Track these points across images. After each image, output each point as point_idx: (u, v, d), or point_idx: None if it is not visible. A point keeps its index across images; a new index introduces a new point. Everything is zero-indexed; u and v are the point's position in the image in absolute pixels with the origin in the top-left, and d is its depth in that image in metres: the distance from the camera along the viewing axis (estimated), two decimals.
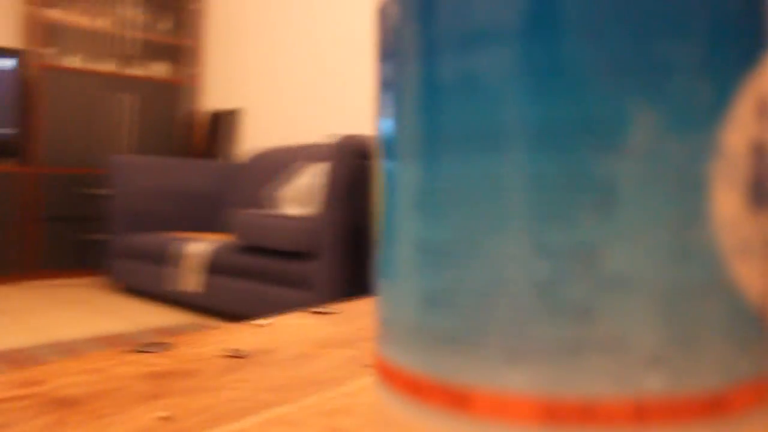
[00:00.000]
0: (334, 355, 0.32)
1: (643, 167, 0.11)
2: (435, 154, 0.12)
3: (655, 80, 0.11)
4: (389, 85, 0.13)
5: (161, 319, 2.91)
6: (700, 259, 0.11)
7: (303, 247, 2.42)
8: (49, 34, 4.11)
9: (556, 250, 0.11)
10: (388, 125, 0.14)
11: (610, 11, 0.11)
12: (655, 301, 0.11)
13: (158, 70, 4.59)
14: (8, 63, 3.89)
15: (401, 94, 0.13)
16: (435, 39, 0.12)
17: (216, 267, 2.84)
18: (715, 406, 0.11)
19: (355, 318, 0.43)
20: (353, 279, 2.30)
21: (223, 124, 4.34)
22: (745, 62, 0.12)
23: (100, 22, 4.32)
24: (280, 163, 3.46)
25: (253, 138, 4.18)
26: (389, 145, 0.13)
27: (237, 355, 0.32)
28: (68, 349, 2.31)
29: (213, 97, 4.57)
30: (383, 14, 0.14)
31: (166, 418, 0.23)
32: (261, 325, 0.40)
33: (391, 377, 0.13)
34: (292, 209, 2.85)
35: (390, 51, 0.13)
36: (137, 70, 4.49)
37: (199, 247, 2.96)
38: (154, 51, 4.57)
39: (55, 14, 4.12)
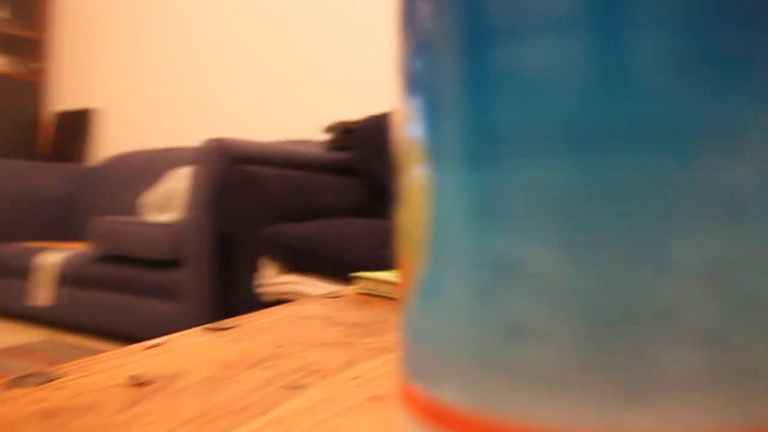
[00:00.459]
0: (247, 377, 0.30)
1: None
2: (502, 157, 0.11)
3: None
4: (420, 83, 0.12)
5: (13, 338, 2.65)
6: None
7: (167, 255, 2.30)
8: None
9: (682, 268, 0.10)
10: (425, 128, 0.12)
11: None
12: None
13: None
14: None
15: (444, 93, 0.11)
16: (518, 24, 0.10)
17: (71, 278, 2.62)
18: None
19: (255, 333, 0.41)
20: (223, 288, 2.22)
21: (74, 125, 4.02)
22: None
23: None
24: (143, 167, 3.27)
25: (115, 141, 3.89)
26: (433, 150, 0.12)
27: (138, 383, 0.29)
28: None
29: (66, 96, 4.20)
30: (409, 4, 0.12)
31: None
32: (155, 345, 0.37)
33: (447, 422, 0.11)
34: (156, 216, 2.70)
35: (421, 45, 0.12)
36: None
37: (52, 257, 2.72)
38: None
39: None
